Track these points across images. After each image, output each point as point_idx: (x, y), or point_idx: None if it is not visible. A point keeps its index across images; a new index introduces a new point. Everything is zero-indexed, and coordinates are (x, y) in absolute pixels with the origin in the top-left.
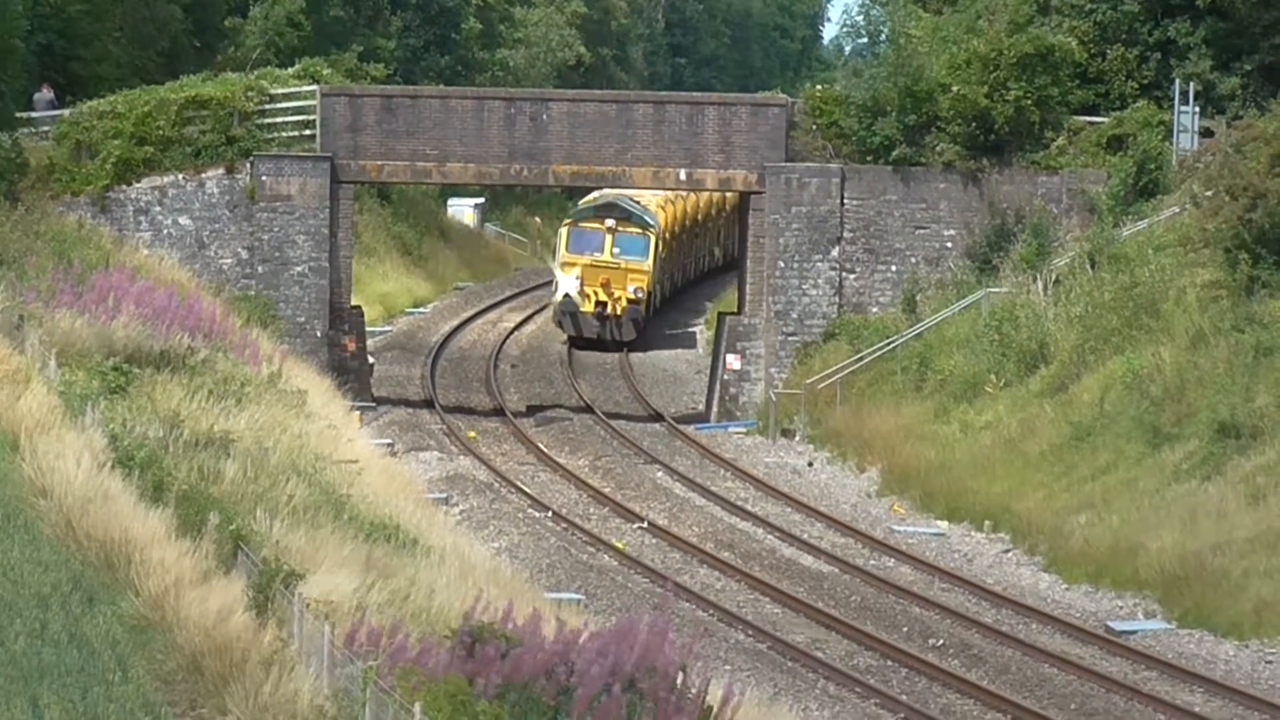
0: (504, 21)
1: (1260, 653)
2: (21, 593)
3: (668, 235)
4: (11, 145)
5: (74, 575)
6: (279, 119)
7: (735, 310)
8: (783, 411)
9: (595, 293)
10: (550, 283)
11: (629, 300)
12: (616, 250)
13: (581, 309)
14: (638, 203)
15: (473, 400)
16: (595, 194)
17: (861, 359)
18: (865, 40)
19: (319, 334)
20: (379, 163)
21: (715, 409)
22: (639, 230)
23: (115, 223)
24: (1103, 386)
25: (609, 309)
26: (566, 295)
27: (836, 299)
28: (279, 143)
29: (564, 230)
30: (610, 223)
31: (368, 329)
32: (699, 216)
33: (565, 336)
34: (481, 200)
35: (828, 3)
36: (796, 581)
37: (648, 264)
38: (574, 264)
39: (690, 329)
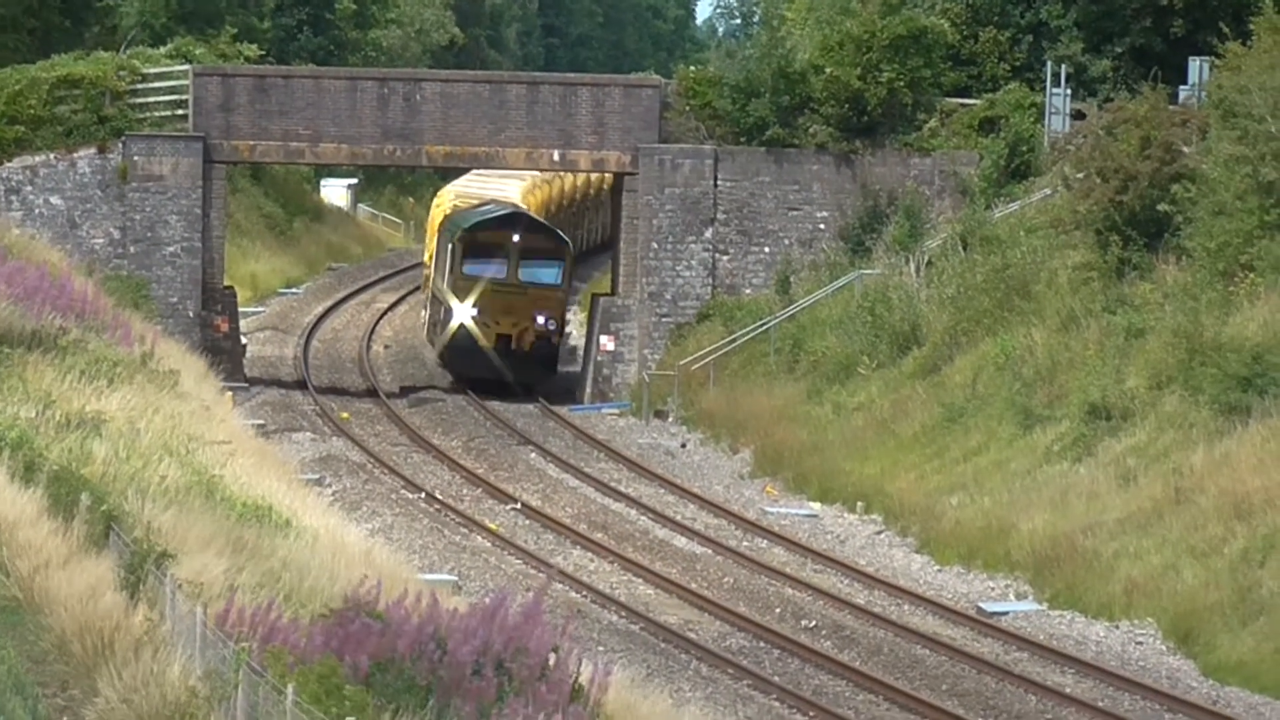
0: (377, 2)
1: (1130, 634)
2: None
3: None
4: None
5: None
6: (151, 98)
7: (609, 292)
8: (656, 393)
9: (496, 323)
10: (419, 265)
11: (538, 334)
12: (524, 271)
13: (481, 343)
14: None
15: (346, 381)
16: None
17: (735, 340)
18: (739, 21)
19: (191, 314)
20: (252, 143)
21: (589, 390)
22: (551, 246)
23: None
24: (975, 368)
25: (514, 343)
26: (461, 327)
27: (710, 280)
28: (151, 122)
29: (456, 243)
30: (516, 237)
31: (240, 310)
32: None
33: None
34: (355, 181)
35: None
36: (669, 563)
37: (562, 288)
38: (471, 287)
39: None
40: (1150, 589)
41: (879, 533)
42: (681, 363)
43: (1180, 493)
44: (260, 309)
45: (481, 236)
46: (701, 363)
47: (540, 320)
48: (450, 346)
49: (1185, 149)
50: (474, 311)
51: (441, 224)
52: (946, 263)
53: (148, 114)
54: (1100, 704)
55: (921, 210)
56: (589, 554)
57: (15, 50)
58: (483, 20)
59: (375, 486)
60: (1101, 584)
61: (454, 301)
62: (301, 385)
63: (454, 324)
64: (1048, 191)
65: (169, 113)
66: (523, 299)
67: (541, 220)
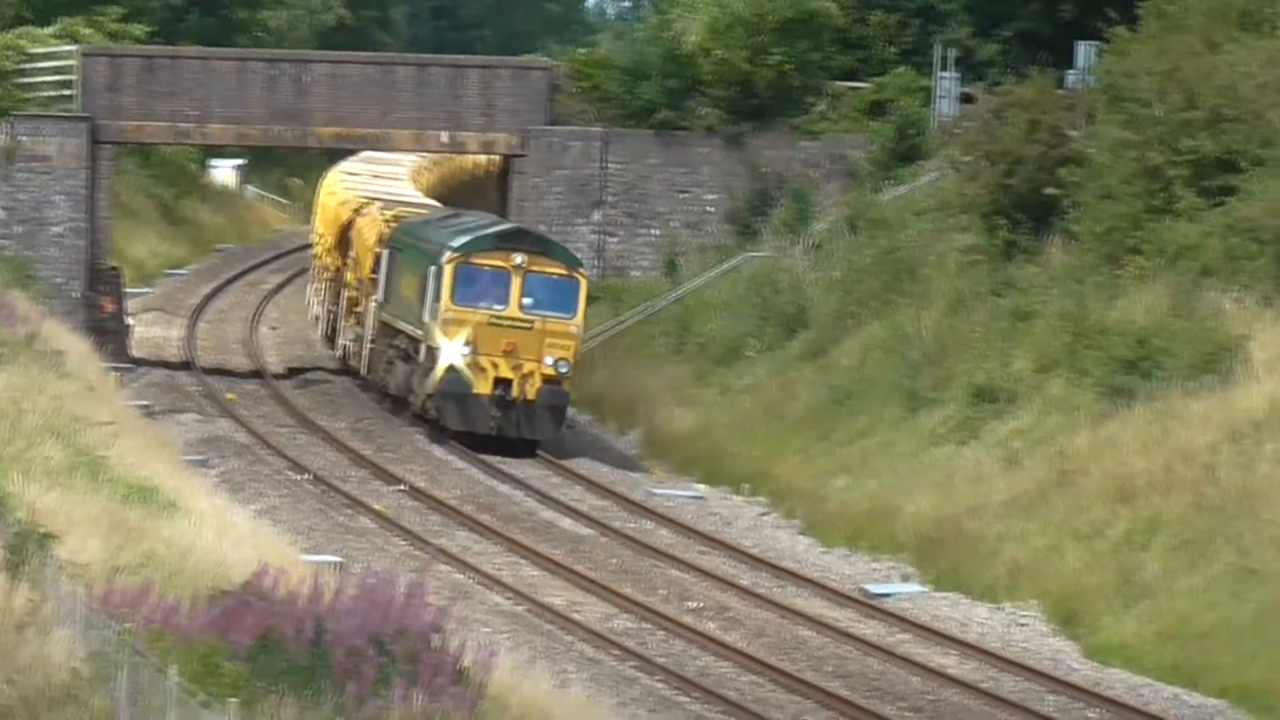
0: None
1: (1013, 615)
2: None
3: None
4: None
5: None
6: (38, 79)
7: None
8: None
9: (494, 365)
10: (308, 249)
11: (546, 377)
12: (529, 300)
13: (475, 390)
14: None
15: (232, 362)
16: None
17: (622, 322)
18: (628, 4)
19: (77, 295)
20: (139, 123)
21: None
22: (563, 269)
23: None
24: (862, 350)
25: (515, 389)
26: (451, 370)
27: (598, 262)
28: (37, 102)
29: (443, 266)
30: (520, 259)
31: (127, 291)
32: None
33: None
34: (242, 162)
35: None
36: (555, 544)
37: (576, 321)
38: (463, 321)
39: None
40: (1034, 571)
41: (764, 515)
42: None
43: (1064, 475)
44: (147, 290)
45: (476, 258)
46: (589, 344)
47: (549, 361)
48: (439, 395)
49: (1072, 133)
50: (466, 351)
51: (391, 238)
52: (834, 245)
53: (34, 94)
54: (983, 685)
55: (809, 193)
56: (475, 535)
57: None
58: (371, 2)
59: (261, 468)
60: (985, 566)
61: (441, 338)
62: (187, 366)
63: (441, 367)
64: (935, 175)
65: (55, 93)
66: (528, 335)
67: (550, 237)
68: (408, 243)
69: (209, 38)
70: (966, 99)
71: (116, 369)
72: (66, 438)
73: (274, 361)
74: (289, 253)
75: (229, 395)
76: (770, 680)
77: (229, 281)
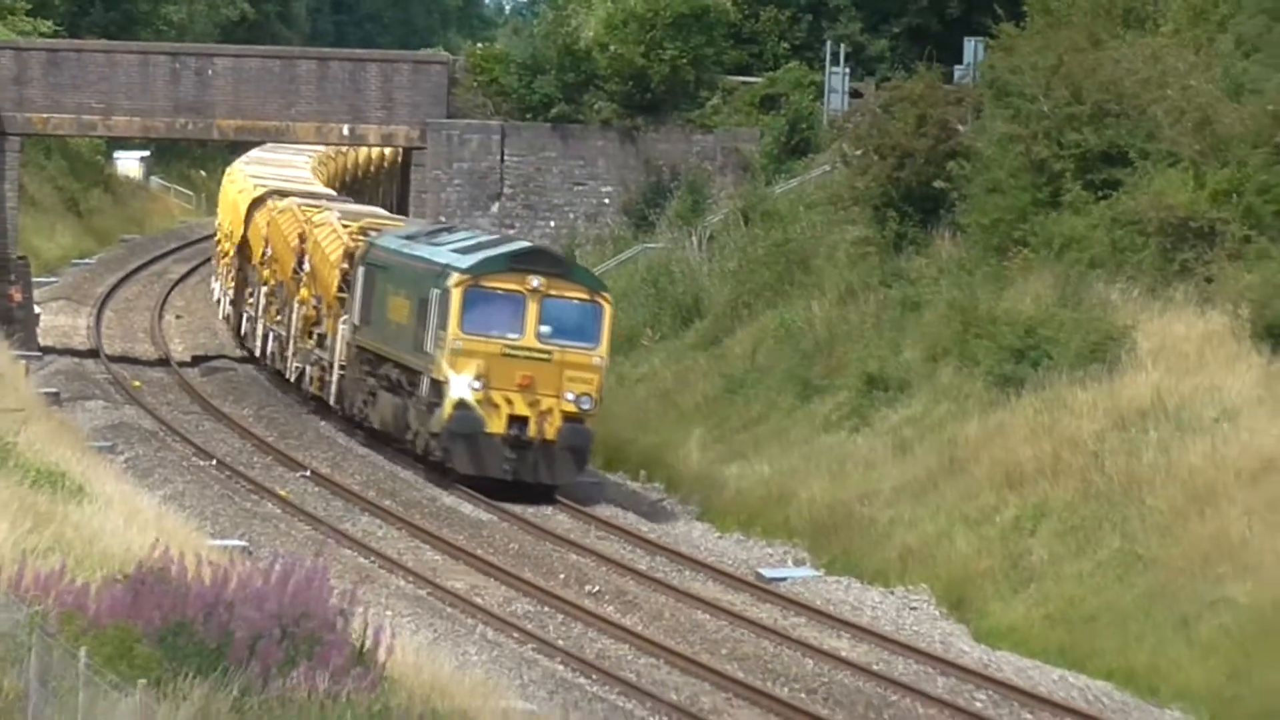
0: None
1: (904, 599)
2: None
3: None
4: None
5: None
6: None
7: None
8: None
9: (509, 401)
10: (211, 239)
11: (567, 414)
12: (547, 329)
13: (487, 429)
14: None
15: (138, 350)
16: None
17: None
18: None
19: None
20: (45, 115)
21: None
22: (584, 293)
23: None
24: (755, 340)
25: (531, 428)
26: (461, 406)
27: None
28: None
29: (451, 290)
30: (536, 282)
31: (34, 280)
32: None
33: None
34: (147, 154)
35: None
36: (456, 529)
37: (600, 352)
38: (473, 351)
39: None
40: (924, 556)
41: (660, 501)
42: None
43: (954, 462)
44: (54, 279)
45: (487, 281)
46: None
47: (570, 397)
48: (446, 434)
49: (960, 127)
50: (477, 385)
51: (367, 254)
52: (728, 237)
53: None
54: (875, 667)
55: (704, 186)
56: (377, 520)
57: None
58: None
59: (167, 454)
60: (877, 551)
61: (448, 371)
62: (94, 354)
63: (449, 403)
64: (827, 168)
65: None
66: (545, 367)
67: (568, 258)
68: (392, 261)
69: (112, 31)
70: (856, 94)
71: (24, 357)
72: None
73: (179, 349)
74: (193, 243)
75: (135, 383)
76: (667, 662)
77: (135, 271)
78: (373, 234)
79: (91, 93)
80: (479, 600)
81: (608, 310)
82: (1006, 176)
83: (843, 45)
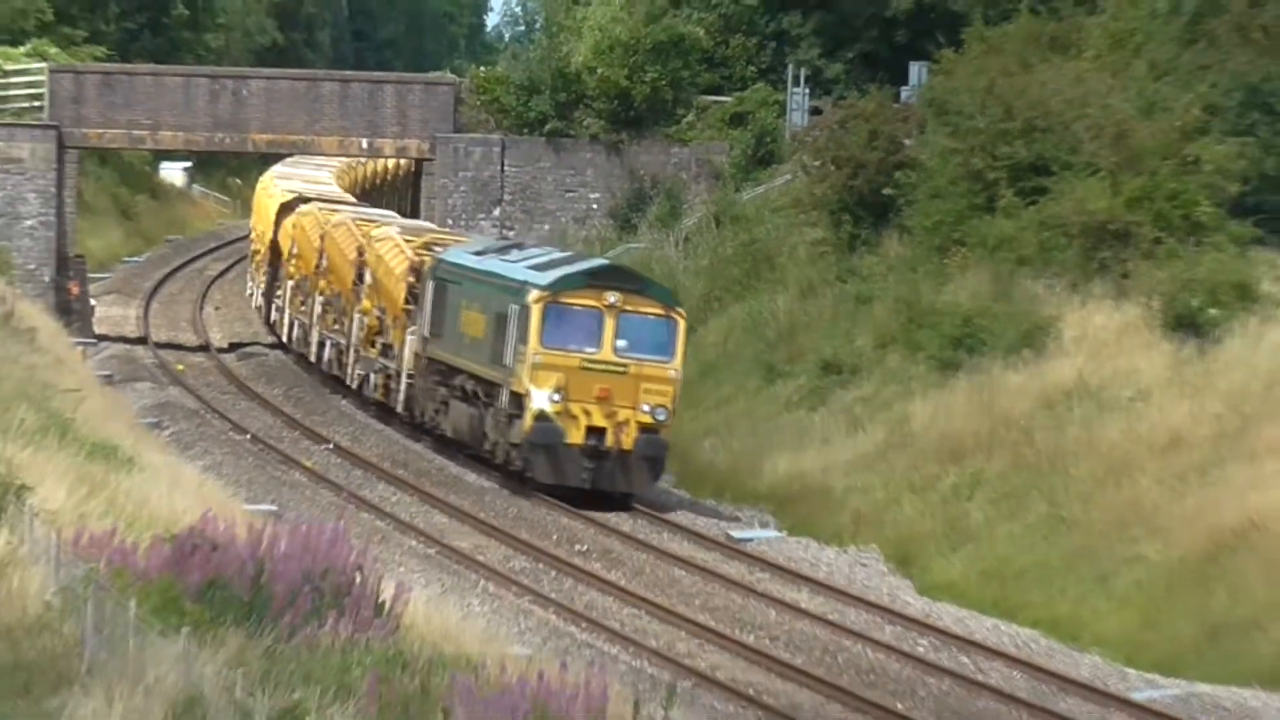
0: (207, 8)
1: (856, 557)
2: None
3: (356, 194)
4: None
5: None
6: (12, 92)
7: None
8: None
9: (587, 412)
10: (246, 239)
11: (643, 425)
12: (623, 343)
13: (566, 439)
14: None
15: (181, 338)
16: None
17: None
18: (523, 28)
19: (47, 279)
20: (100, 131)
21: None
22: (660, 309)
23: None
24: (726, 329)
25: (609, 439)
26: (541, 418)
27: None
28: (11, 112)
29: (530, 306)
30: (613, 298)
31: (90, 275)
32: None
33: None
34: (189, 164)
35: None
36: (462, 495)
37: (675, 365)
38: (553, 365)
39: None
40: (874, 519)
41: None
42: None
43: (901, 437)
44: (107, 275)
45: (566, 297)
46: None
47: (647, 408)
48: (526, 445)
49: (906, 141)
50: (556, 398)
51: (435, 269)
52: (701, 238)
53: (8, 105)
54: (830, 617)
55: (680, 193)
56: (392, 488)
57: None
58: (300, 25)
59: (207, 429)
60: (833, 515)
61: (528, 384)
62: (143, 341)
63: (530, 415)
64: (789, 177)
65: (27, 104)
66: (622, 380)
67: (644, 275)
68: (464, 276)
69: (159, 56)
70: (815, 111)
71: (81, 343)
72: (38, 402)
73: (218, 337)
74: (229, 243)
75: (179, 366)
76: (647, 613)
77: (178, 268)
78: (437, 249)
79: (140, 111)
80: (481, 558)
81: (681, 325)
82: (947, 184)
83: (803, 69)
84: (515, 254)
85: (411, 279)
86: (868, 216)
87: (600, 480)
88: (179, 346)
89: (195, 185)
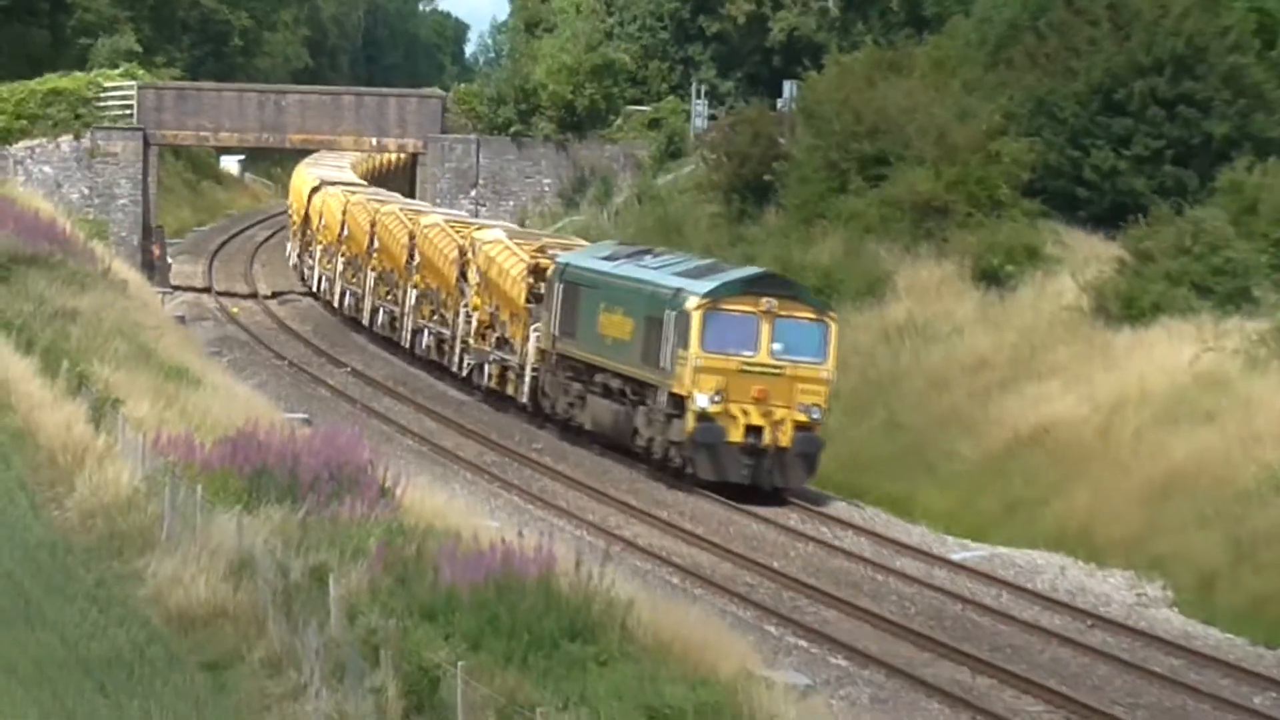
0: (256, 39)
1: None
2: None
3: (368, 179)
4: None
5: None
6: (110, 103)
7: None
8: None
9: (745, 412)
10: (285, 213)
11: (798, 423)
12: (779, 346)
13: (728, 438)
14: (348, 171)
15: (236, 287)
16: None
17: None
18: (494, 55)
19: (135, 243)
20: (175, 132)
21: None
22: (812, 314)
23: (1, 171)
24: None
25: (766, 437)
26: (704, 418)
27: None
28: (109, 118)
29: (690, 314)
30: (768, 303)
31: (167, 240)
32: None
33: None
34: (243, 157)
35: (467, 30)
36: (447, 406)
37: (828, 367)
38: (714, 368)
39: None
40: None
41: None
42: None
43: None
44: (180, 240)
45: (725, 304)
46: None
47: (801, 409)
48: (689, 444)
49: (781, 140)
50: (717, 399)
51: (563, 272)
52: (628, 212)
53: (106, 113)
54: (720, 497)
55: (612, 179)
56: (395, 401)
57: (13, 69)
58: (326, 53)
59: (255, 356)
60: None
61: (690, 387)
62: (208, 290)
63: (691, 415)
64: (693, 167)
65: (121, 113)
66: (778, 381)
67: (795, 280)
68: (599, 280)
69: (220, 76)
70: (712, 118)
71: (161, 292)
72: (129, 336)
73: (264, 287)
74: (272, 216)
75: (234, 309)
76: (587, 495)
77: (233, 236)
78: (553, 252)
79: (205, 117)
80: (461, 454)
81: (834, 328)
82: (811, 172)
83: (703, 86)
84: (652, 260)
85: (531, 280)
86: (752, 196)
87: (759, 476)
88: (234, 294)
89: (247, 173)
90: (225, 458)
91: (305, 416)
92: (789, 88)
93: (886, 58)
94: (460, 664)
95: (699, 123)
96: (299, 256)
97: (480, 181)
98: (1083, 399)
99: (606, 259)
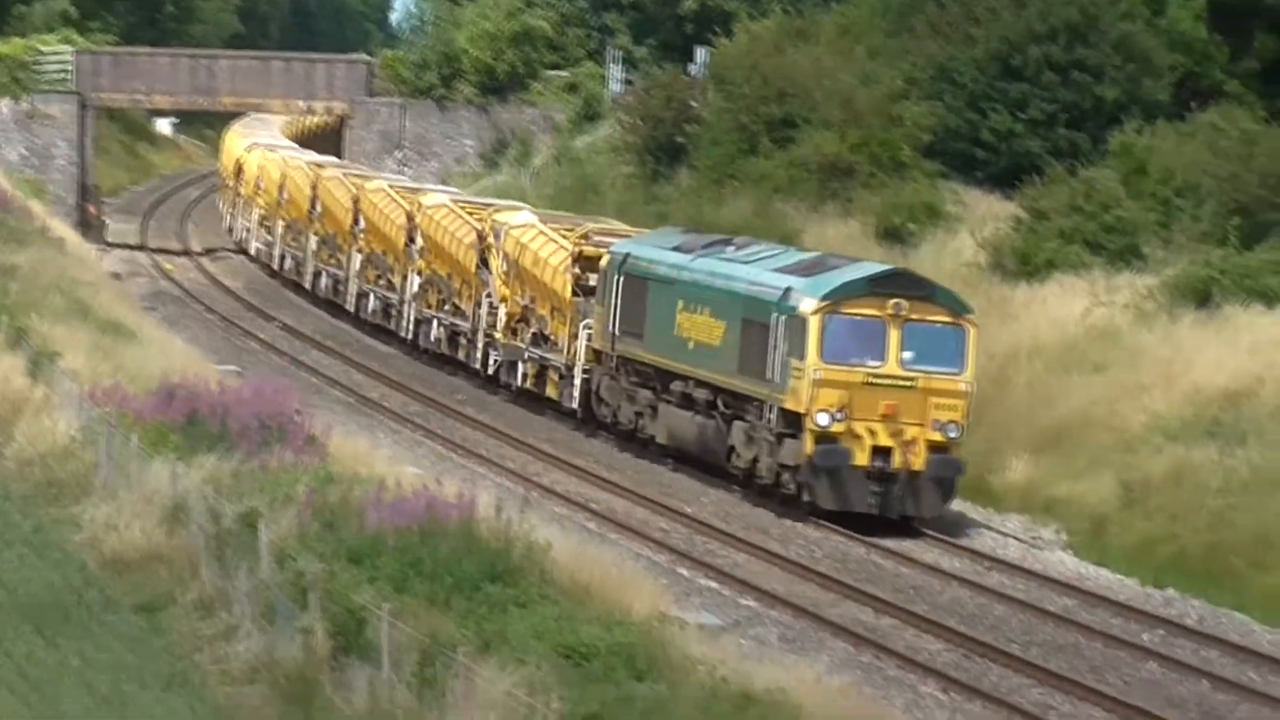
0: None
1: None
2: None
3: (298, 141)
4: None
5: None
6: (47, 67)
7: None
8: None
9: (872, 431)
10: (216, 174)
11: (932, 444)
12: (909, 354)
13: (852, 461)
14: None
15: (170, 245)
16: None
17: None
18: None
19: (72, 202)
20: (110, 95)
21: None
22: (948, 316)
23: None
24: None
25: (896, 459)
26: (825, 439)
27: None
28: (47, 82)
29: (807, 318)
30: (897, 304)
31: (103, 199)
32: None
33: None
34: (176, 120)
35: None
36: (373, 360)
37: (966, 377)
38: (835, 382)
39: None
40: None
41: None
42: None
43: None
44: (115, 200)
45: (847, 307)
46: None
47: (936, 426)
48: (808, 468)
49: (693, 104)
50: (839, 416)
51: (623, 264)
52: (547, 173)
53: (44, 77)
54: (632, 448)
55: (531, 141)
56: (324, 354)
57: None
58: (256, 19)
59: (188, 311)
60: None
61: (808, 402)
62: (142, 248)
63: (810, 436)
64: (609, 130)
65: (59, 77)
66: (909, 395)
67: (928, 278)
68: (673, 275)
69: (154, 41)
70: (628, 82)
71: (98, 249)
72: (66, 292)
73: (196, 245)
74: (204, 177)
75: (168, 266)
76: (507, 443)
77: (167, 195)
78: (604, 239)
79: (140, 81)
80: (387, 404)
81: (972, 333)
82: (722, 134)
83: (619, 52)
84: (736, 252)
85: (576, 271)
86: (665, 157)
87: (887, 505)
88: (168, 251)
89: (180, 135)
90: (159, 408)
91: (237, 369)
92: (701, 54)
93: (794, 25)
94: (385, 606)
95: (615, 87)
96: (230, 214)
97: (405, 143)
98: (980, 350)
99: (677, 249)
